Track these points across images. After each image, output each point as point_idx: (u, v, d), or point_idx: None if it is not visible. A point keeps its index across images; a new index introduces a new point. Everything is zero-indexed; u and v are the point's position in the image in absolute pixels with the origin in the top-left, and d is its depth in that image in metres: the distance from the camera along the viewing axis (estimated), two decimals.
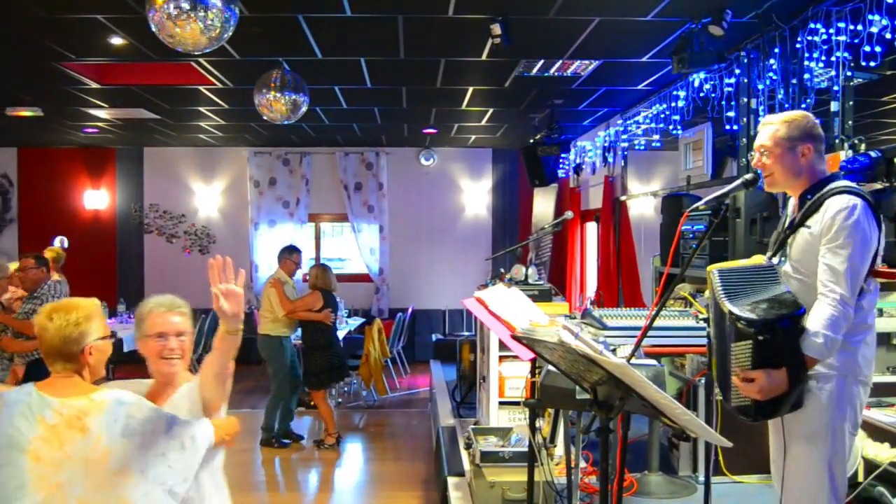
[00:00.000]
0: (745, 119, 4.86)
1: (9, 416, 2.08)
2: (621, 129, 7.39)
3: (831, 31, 3.85)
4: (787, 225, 2.64)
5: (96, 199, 10.86)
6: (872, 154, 3.64)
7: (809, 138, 2.53)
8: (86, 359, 2.20)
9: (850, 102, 4.04)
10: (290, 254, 6.87)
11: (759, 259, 2.64)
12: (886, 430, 3.28)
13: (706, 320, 3.05)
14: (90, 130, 9.19)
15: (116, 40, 5.15)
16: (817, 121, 2.61)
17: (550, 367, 2.80)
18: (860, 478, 3.35)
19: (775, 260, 2.60)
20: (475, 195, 11.02)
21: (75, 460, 2.04)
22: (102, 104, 7.46)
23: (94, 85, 6.52)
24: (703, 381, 3.74)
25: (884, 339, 3.69)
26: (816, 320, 2.36)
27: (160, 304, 2.37)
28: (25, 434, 2.05)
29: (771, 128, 2.57)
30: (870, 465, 3.29)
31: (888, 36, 3.54)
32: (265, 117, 5.59)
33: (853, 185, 2.49)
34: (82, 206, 10.88)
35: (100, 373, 2.27)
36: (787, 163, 2.54)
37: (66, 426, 2.06)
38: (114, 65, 6.07)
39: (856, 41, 3.74)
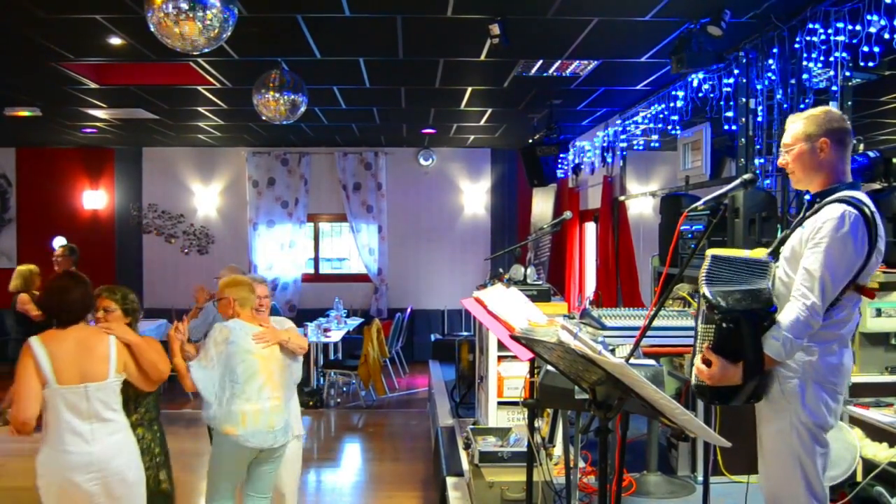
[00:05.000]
0: (743, 119, 4.85)
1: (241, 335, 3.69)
2: (620, 129, 7.38)
3: (830, 31, 3.84)
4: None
5: (95, 199, 10.86)
6: (871, 154, 3.65)
7: (826, 133, 2.52)
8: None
9: (849, 102, 4.04)
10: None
11: (760, 252, 2.65)
12: (885, 430, 3.28)
13: None
14: (89, 130, 9.18)
15: (115, 40, 5.15)
16: (845, 118, 2.60)
17: (549, 367, 2.81)
18: (859, 477, 3.36)
19: (768, 257, 2.61)
20: (474, 195, 11.02)
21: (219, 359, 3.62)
22: (101, 104, 7.46)
23: (93, 85, 6.52)
24: None
25: (883, 339, 3.70)
26: (782, 321, 2.39)
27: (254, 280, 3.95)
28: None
29: (792, 126, 2.60)
30: (868, 465, 3.29)
31: (886, 36, 3.54)
32: (264, 117, 5.59)
33: (860, 195, 2.45)
34: (81, 206, 10.88)
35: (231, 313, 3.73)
36: (804, 158, 2.56)
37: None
38: (112, 65, 6.07)
39: (854, 41, 3.74)
